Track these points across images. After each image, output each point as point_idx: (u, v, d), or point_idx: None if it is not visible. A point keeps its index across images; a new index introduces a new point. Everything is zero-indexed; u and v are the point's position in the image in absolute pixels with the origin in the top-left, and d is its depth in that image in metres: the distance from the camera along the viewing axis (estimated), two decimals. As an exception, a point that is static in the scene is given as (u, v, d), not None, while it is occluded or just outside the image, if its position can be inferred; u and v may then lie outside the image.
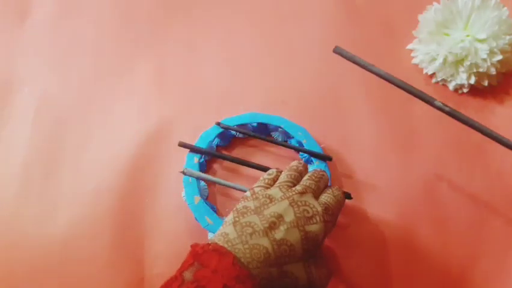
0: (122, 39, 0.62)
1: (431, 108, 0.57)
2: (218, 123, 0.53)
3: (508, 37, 0.56)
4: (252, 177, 0.52)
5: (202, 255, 0.36)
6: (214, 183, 0.51)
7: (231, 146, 0.55)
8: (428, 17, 0.59)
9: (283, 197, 0.41)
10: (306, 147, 0.52)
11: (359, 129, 0.56)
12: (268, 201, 0.40)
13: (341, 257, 0.50)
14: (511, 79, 0.59)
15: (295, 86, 0.59)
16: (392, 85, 0.59)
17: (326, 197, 0.42)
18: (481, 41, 0.56)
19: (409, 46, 0.61)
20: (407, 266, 0.49)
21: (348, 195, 0.50)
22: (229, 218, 0.40)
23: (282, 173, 0.45)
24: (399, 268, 0.49)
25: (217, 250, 0.36)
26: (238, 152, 0.55)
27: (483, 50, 0.55)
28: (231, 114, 0.54)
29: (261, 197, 0.41)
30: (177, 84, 0.59)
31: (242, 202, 0.41)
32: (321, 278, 0.40)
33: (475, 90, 0.58)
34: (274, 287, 0.38)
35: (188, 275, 0.35)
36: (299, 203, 0.40)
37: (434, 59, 0.58)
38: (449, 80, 0.58)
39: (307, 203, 0.40)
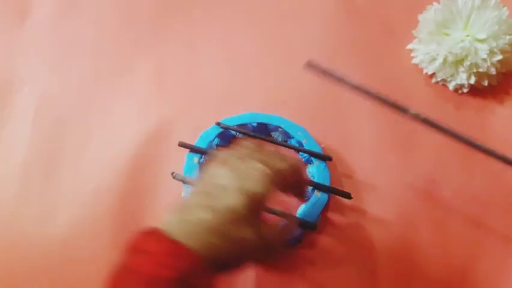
0: (122, 39, 0.62)
1: (431, 108, 0.57)
2: (218, 123, 0.53)
3: (508, 37, 0.56)
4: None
5: (137, 241, 0.35)
6: None
7: (231, 146, 0.55)
8: (428, 17, 0.59)
9: (223, 169, 0.39)
10: (306, 147, 0.52)
11: (359, 129, 0.56)
12: (212, 178, 0.39)
13: (341, 256, 0.50)
14: (511, 79, 0.59)
15: (295, 86, 0.59)
16: (392, 85, 0.59)
17: (272, 160, 0.40)
18: (481, 41, 0.55)
19: (409, 46, 0.61)
20: (407, 266, 0.49)
21: (348, 195, 0.50)
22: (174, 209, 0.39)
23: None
24: (399, 268, 0.49)
25: (150, 232, 0.35)
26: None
27: (483, 50, 0.55)
28: (231, 114, 0.54)
29: (204, 176, 0.40)
30: (177, 84, 0.59)
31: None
32: (275, 236, 0.39)
33: (475, 90, 0.58)
34: (227, 257, 0.36)
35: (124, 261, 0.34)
36: (240, 168, 0.38)
37: (434, 59, 0.58)
38: (449, 80, 0.58)
39: (249, 167, 0.39)
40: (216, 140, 0.53)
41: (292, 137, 0.53)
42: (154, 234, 0.34)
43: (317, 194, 0.49)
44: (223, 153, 0.42)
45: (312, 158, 0.52)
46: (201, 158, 0.52)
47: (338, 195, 0.50)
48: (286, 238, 0.41)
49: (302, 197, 0.46)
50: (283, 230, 0.42)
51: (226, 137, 0.54)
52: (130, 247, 0.35)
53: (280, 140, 0.55)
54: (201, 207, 0.36)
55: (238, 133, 0.54)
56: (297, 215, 0.49)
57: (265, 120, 0.53)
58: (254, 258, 0.40)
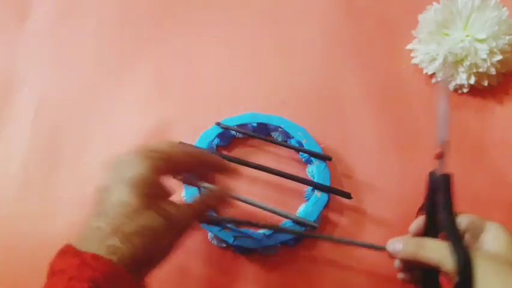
0: (122, 40, 0.63)
1: (431, 108, 0.57)
2: (218, 123, 0.53)
3: (507, 37, 0.56)
4: (252, 178, 0.52)
5: (53, 262, 0.33)
6: None
7: (231, 146, 0.55)
8: (428, 17, 0.59)
9: (106, 174, 0.37)
10: (306, 147, 0.52)
11: (359, 129, 0.56)
12: (102, 195, 0.36)
13: (340, 257, 0.50)
14: (511, 79, 0.59)
15: (295, 86, 0.59)
16: (392, 85, 0.59)
17: (151, 146, 0.38)
18: (481, 41, 0.55)
19: (409, 46, 0.61)
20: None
21: (348, 195, 0.50)
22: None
23: None
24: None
25: (62, 251, 0.33)
26: (238, 152, 0.55)
27: (483, 50, 0.55)
28: (231, 114, 0.54)
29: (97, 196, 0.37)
30: (177, 84, 0.59)
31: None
32: (183, 212, 0.37)
33: (475, 90, 0.58)
34: (140, 253, 0.33)
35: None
36: (117, 163, 0.37)
37: (434, 59, 0.58)
38: (449, 80, 0.58)
39: (124, 158, 0.37)
40: (216, 140, 0.53)
41: (292, 137, 0.53)
42: (66, 252, 0.33)
43: (317, 194, 0.49)
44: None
45: (312, 158, 0.52)
46: None
47: (338, 195, 0.50)
48: (200, 211, 0.39)
49: (207, 179, 0.45)
50: (192, 203, 0.39)
51: (226, 137, 0.54)
52: (48, 271, 0.33)
53: (280, 140, 0.55)
54: (94, 215, 0.34)
55: (238, 133, 0.54)
56: (297, 215, 0.49)
57: (265, 120, 0.53)
58: (170, 241, 0.36)
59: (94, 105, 0.58)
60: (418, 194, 0.53)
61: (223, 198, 0.43)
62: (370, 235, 0.50)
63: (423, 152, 0.55)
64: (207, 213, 0.43)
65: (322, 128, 0.55)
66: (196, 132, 0.53)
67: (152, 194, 0.35)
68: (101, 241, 0.32)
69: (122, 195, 0.34)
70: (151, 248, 0.34)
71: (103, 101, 0.58)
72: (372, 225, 0.51)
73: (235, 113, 0.54)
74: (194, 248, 0.49)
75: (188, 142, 0.52)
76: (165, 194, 0.37)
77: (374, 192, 0.53)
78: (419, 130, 0.56)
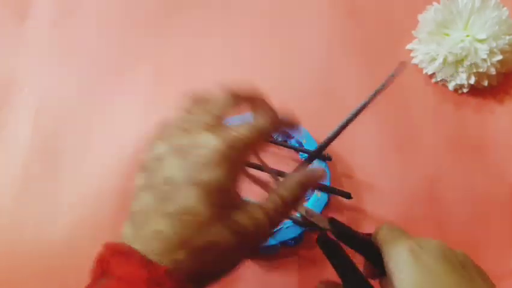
0: (122, 39, 0.62)
1: (431, 108, 0.57)
2: None
3: (508, 37, 0.56)
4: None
5: (109, 263, 0.29)
6: None
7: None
8: (428, 17, 0.59)
9: (167, 150, 0.31)
10: (306, 147, 0.52)
11: (359, 129, 0.56)
12: (156, 164, 0.31)
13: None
14: (511, 79, 0.59)
15: (295, 86, 0.59)
16: (392, 85, 0.59)
17: (234, 128, 0.32)
18: (481, 41, 0.55)
19: (409, 46, 0.61)
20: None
21: (348, 195, 0.50)
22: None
23: None
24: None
25: (123, 252, 0.29)
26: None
27: (483, 50, 0.55)
28: (231, 114, 0.54)
29: (147, 162, 0.32)
30: (177, 84, 0.59)
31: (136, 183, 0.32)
32: (258, 224, 0.31)
33: (475, 90, 0.58)
34: (202, 270, 0.29)
35: None
36: (185, 149, 0.30)
37: (434, 59, 0.58)
38: (448, 80, 0.58)
39: (196, 144, 0.30)
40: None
41: (293, 137, 0.53)
42: (128, 255, 0.28)
43: (317, 194, 0.49)
44: (165, 124, 0.35)
45: None
46: None
47: (338, 195, 0.50)
48: (278, 216, 0.33)
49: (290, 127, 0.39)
50: (268, 207, 0.32)
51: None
52: (97, 268, 0.30)
53: (280, 140, 0.55)
54: (153, 214, 0.29)
55: None
56: (297, 215, 0.49)
57: None
58: (241, 256, 0.32)
59: (94, 105, 0.58)
60: (418, 194, 0.53)
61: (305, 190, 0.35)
62: (370, 235, 0.51)
63: (423, 152, 0.55)
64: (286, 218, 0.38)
65: (322, 128, 0.55)
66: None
67: (226, 204, 0.30)
68: (167, 251, 0.28)
69: (192, 200, 0.29)
70: (220, 264, 0.31)
71: (103, 101, 0.58)
72: (372, 225, 0.51)
73: (235, 113, 0.54)
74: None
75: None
76: (237, 199, 0.32)
77: (374, 192, 0.53)
78: (419, 130, 0.56)
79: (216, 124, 0.33)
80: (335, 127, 0.56)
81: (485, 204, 0.52)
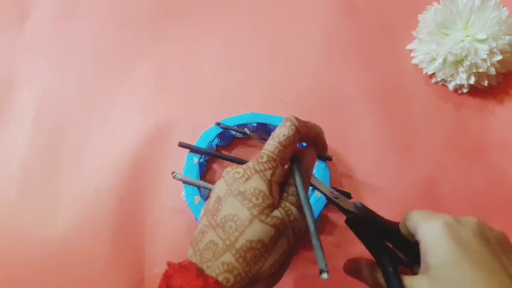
0: (122, 40, 0.63)
1: (431, 108, 0.57)
2: (218, 124, 0.53)
3: (507, 37, 0.56)
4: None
5: (172, 277, 0.31)
6: (205, 188, 0.50)
7: (230, 146, 0.55)
8: (428, 17, 0.59)
9: (227, 191, 0.33)
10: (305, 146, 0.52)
11: (359, 129, 0.56)
12: (217, 204, 0.33)
13: (340, 256, 0.50)
14: (510, 79, 0.59)
15: (295, 86, 0.59)
16: (392, 85, 0.59)
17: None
18: (481, 41, 0.56)
19: (409, 46, 0.61)
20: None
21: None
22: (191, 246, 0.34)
23: None
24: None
25: (184, 266, 0.31)
26: (238, 152, 0.55)
27: (483, 50, 0.55)
28: (231, 114, 0.54)
29: (211, 201, 0.34)
30: (177, 84, 0.59)
31: (201, 219, 0.35)
32: (289, 213, 0.33)
33: (475, 91, 0.58)
34: (257, 267, 0.31)
35: None
36: (246, 192, 0.32)
37: (434, 59, 0.58)
38: (448, 80, 0.58)
39: (252, 190, 0.32)
40: (216, 140, 0.53)
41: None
42: (188, 269, 0.31)
43: (317, 194, 0.49)
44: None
45: None
46: (201, 158, 0.52)
47: None
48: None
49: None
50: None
51: (226, 137, 0.54)
52: (161, 285, 0.31)
53: None
54: (220, 250, 0.31)
55: (238, 133, 0.54)
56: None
57: (265, 120, 0.53)
58: (285, 250, 0.33)
59: (94, 105, 0.58)
60: (418, 193, 0.53)
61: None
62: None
63: (423, 152, 0.55)
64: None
65: (322, 128, 0.55)
66: (196, 132, 0.53)
67: (265, 205, 0.32)
68: (216, 258, 0.31)
69: (234, 208, 0.32)
70: (264, 262, 0.31)
71: (103, 101, 0.58)
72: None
73: (235, 113, 0.54)
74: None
75: (188, 142, 0.52)
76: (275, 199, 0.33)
77: (374, 192, 0.53)
78: (418, 130, 0.56)
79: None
80: (334, 128, 0.56)
81: (485, 204, 0.52)
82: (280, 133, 0.34)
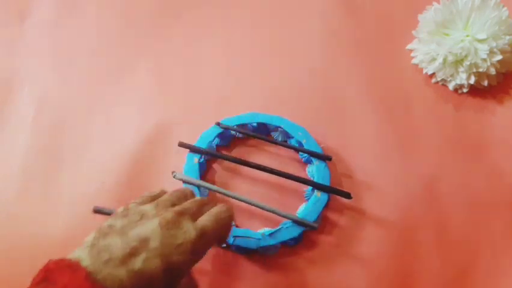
0: (122, 39, 0.63)
1: (431, 108, 0.58)
2: (218, 123, 0.53)
3: (507, 37, 0.56)
4: (252, 178, 0.52)
5: (53, 271, 0.31)
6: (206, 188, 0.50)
7: (231, 146, 0.55)
8: (428, 17, 0.59)
9: (155, 215, 0.36)
10: (306, 147, 0.52)
11: (359, 129, 0.56)
12: (137, 218, 0.36)
13: (340, 257, 0.50)
14: (511, 79, 0.59)
15: (295, 86, 0.59)
16: (392, 85, 0.59)
17: (205, 219, 0.37)
18: (481, 41, 0.56)
19: (409, 46, 0.61)
20: (406, 266, 0.49)
21: (348, 195, 0.50)
22: (89, 238, 0.35)
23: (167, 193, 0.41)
24: (398, 268, 0.49)
25: (70, 266, 0.32)
26: (238, 152, 0.55)
27: (483, 50, 0.55)
28: (231, 114, 0.54)
29: (132, 213, 0.36)
30: (177, 84, 0.59)
31: (110, 219, 0.36)
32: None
33: (475, 90, 0.58)
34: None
35: None
36: (170, 225, 0.35)
37: (434, 59, 0.58)
38: (448, 80, 0.58)
39: (180, 226, 0.35)
40: (216, 140, 0.53)
41: (292, 137, 0.53)
42: (73, 269, 0.32)
43: (317, 194, 0.49)
44: (162, 193, 0.41)
45: (312, 158, 0.52)
46: (201, 158, 0.52)
47: (338, 195, 0.50)
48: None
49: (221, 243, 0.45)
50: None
51: (226, 137, 0.54)
52: (37, 276, 0.32)
53: (280, 140, 0.55)
54: (116, 260, 0.33)
55: (238, 133, 0.54)
56: (297, 215, 0.49)
57: (265, 120, 0.53)
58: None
59: (94, 105, 0.58)
60: (418, 194, 0.53)
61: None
62: (370, 235, 0.51)
63: (423, 152, 0.55)
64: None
65: (322, 128, 0.56)
66: (196, 132, 0.53)
67: (174, 284, 0.35)
68: (120, 261, 0.33)
69: (153, 271, 0.33)
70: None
71: (103, 101, 0.58)
72: (372, 225, 0.51)
73: (235, 113, 0.54)
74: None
75: (188, 142, 0.52)
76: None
77: (374, 192, 0.53)
78: (418, 130, 0.56)
79: (199, 214, 0.38)
80: (334, 127, 0.56)
81: (485, 204, 0.52)
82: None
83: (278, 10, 0.64)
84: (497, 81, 0.58)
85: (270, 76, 0.60)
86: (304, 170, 0.54)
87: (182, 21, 0.64)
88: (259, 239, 0.47)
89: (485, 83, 0.57)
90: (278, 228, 0.48)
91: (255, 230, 0.48)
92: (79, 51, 0.62)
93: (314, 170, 0.51)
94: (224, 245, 0.48)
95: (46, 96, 0.59)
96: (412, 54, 0.61)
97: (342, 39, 0.62)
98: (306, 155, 0.53)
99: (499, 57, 0.55)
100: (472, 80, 0.57)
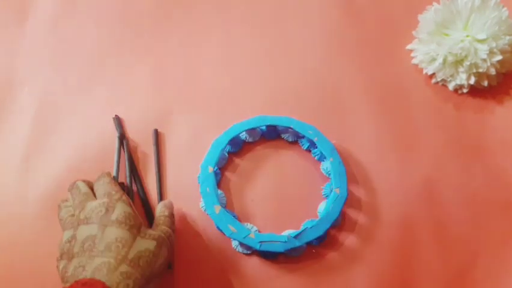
0: (122, 39, 0.62)
1: (431, 108, 0.58)
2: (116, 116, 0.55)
3: (507, 37, 0.56)
4: (266, 180, 0.53)
5: None
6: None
7: (242, 151, 0.55)
8: (428, 17, 0.59)
9: (100, 226, 0.41)
10: (317, 144, 0.52)
11: (358, 129, 0.57)
12: (92, 239, 0.41)
13: (340, 256, 0.50)
14: (510, 79, 0.59)
15: (295, 86, 0.59)
16: (392, 85, 0.59)
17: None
18: (481, 41, 0.56)
19: (409, 46, 0.61)
20: (406, 266, 0.50)
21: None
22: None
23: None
24: (398, 268, 0.50)
25: (86, 283, 0.37)
26: (250, 156, 0.55)
27: (483, 50, 0.55)
28: (231, 114, 0.54)
29: (81, 240, 0.41)
30: (177, 84, 0.59)
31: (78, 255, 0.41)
32: (163, 230, 0.44)
33: (475, 91, 0.59)
34: (150, 270, 0.40)
35: None
36: (118, 217, 0.42)
37: (434, 59, 0.58)
38: (448, 80, 0.58)
39: (122, 213, 0.42)
40: (228, 147, 0.53)
41: (303, 136, 0.53)
42: (91, 284, 0.37)
43: (336, 191, 0.49)
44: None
45: (325, 154, 0.52)
46: (215, 166, 0.51)
47: None
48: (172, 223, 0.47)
49: None
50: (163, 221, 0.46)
51: (237, 143, 0.54)
52: None
53: (291, 139, 0.55)
54: (95, 256, 0.39)
55: (248, 137, 0.54)
56: (318, 213, 0.50)
57: (274, 122, 0.53)
58: (166, 256, 0.43)
59: (93, 105, 0.58)
60: (418, 193, 0.53)
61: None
62: (369, 235, 0.51)
63: (423, 152, 0.55)
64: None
65: (322, 128, 0.56)
66: (196, 133, 0.53)
67: (135, 224, 0.42)
68: (112, 271, 0.38)
69: (115, 234, 0.40)
70: (155, 264, 0.41)
71: (102, 101, 0.58)
72: (372, 225, 0.52)
73: (235, 113, 0.55)
74: (219, 258, 0.50)
75: (188, 142, 0.52)
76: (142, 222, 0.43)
77: (374, 192, 0.53)
78: (418, 130, 0.57)
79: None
80: (334, 127, 0.56)
81: (484, 204, 0.53)
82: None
83: (279, 11, 0.64)
84: (497, 81, 0.58)
85: (270, 76, 0.60)
86: (318, 169, 0.54)
87: (183, 21, 0.63)
88: (285, 242, 0.47)
89: (485, 83, 0.57)
90: (303, 229, 0.48)
91: (277, 233, 0.49)
92: (79, 50, 0.61)
93: (329, 167, 0.51)
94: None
95: (46, 96, 0.58)
96: (412, 55, 0.61)
97: (342, 39, 0.62)
98: (319, 152, 0.53)
99: (499, 57, 0.56)
100: (472, 80, 0.57)
